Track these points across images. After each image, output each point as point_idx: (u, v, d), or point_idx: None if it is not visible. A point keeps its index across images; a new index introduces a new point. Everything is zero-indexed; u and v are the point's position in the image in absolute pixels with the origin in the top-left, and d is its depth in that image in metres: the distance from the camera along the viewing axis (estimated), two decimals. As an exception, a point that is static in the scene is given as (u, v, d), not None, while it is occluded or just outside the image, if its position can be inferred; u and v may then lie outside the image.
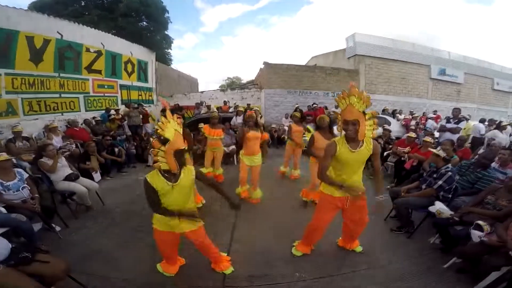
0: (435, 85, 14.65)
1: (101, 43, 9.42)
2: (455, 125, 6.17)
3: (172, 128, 2.00)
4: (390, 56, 13.46)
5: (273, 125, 10.10)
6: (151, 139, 6.95)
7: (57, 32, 7.69)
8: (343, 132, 2.33)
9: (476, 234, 2.50)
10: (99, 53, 9.31)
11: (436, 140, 6.33)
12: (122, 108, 9.40)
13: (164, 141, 1.96)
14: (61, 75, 7.87)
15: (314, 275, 2.62)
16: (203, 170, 4.99)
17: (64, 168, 3.94)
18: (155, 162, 2.02)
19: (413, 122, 8.17)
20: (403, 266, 2.80)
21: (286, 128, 8.24)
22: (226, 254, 2.80)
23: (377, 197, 2.54)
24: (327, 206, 2.64)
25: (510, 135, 7.69)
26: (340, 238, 3.10)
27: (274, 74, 12.35)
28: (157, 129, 1.99)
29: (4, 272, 1.76)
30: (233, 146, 6.70)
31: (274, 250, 3.02)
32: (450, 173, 3.20)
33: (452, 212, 2.95)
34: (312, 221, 2.77)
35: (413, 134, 5.64)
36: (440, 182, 3.22)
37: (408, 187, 3.66)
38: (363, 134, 2.26)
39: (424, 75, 14.36)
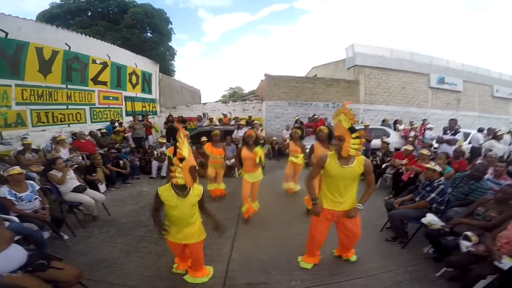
0: (434, 93, 14.59)
1: (107, 55, 9.67)
2: (451, 137, 6.28)
3: (187, 148, 2.28)
4: (389, 65, 13.48)
5: (274, 137, 10.14)
6: (155, 151, 7.20)
7: (65, 43, 7.89)
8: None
9: (464, 245, 2.60)
10: (104, 65, 9.55)
11: (435, 150, 6.42)
12: (129, 120, 9.58)
13: (182, 160, 2.22)
14: (69, 86, 8.05)
15: (309, 284, 2.72)
16: (210, 186, 5.12)
17: (72, 180, 4.11)
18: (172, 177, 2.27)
19: (412, 133, 8.23)
20: (397, 274, 2.88)
21: (288, 139, 8.32)
22: (209, 266, 2.89)
23: (358, 205, 2.63)
24: (319, 217, 2.76)
25: (510, 144, 7.63)
26: (337, 248, 3.18)
27: (275, 86, 12.48)
28: (178, 150, 2.26)
29: (23, 278, 1.91)
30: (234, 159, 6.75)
31: (272, 260, 3.13)
32: (442, 186, 3.31)
33: (443, 223, 3.06)
34: (309, 233, 2.91)
35: (410, 147, 5.72)
36: (432, 195, 3.33)
37: (402, 199, 3.77)
38: (346, 151, 2.42)
39: (424, 84, 14.30)
